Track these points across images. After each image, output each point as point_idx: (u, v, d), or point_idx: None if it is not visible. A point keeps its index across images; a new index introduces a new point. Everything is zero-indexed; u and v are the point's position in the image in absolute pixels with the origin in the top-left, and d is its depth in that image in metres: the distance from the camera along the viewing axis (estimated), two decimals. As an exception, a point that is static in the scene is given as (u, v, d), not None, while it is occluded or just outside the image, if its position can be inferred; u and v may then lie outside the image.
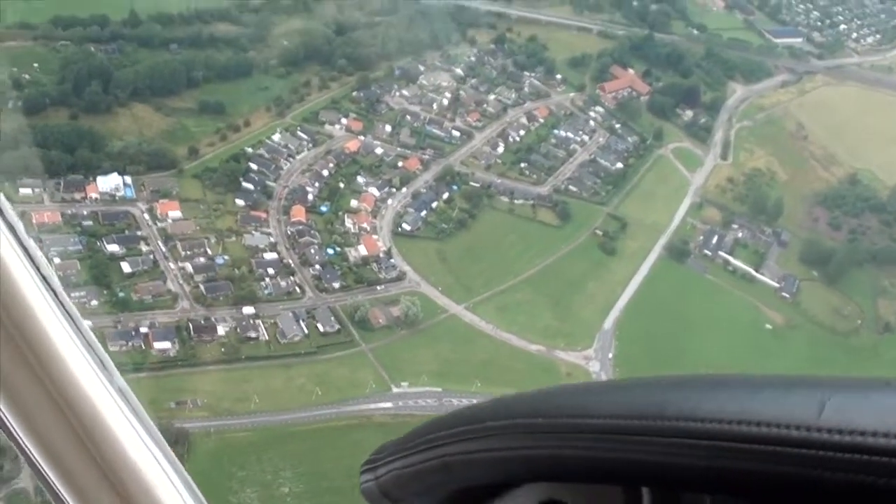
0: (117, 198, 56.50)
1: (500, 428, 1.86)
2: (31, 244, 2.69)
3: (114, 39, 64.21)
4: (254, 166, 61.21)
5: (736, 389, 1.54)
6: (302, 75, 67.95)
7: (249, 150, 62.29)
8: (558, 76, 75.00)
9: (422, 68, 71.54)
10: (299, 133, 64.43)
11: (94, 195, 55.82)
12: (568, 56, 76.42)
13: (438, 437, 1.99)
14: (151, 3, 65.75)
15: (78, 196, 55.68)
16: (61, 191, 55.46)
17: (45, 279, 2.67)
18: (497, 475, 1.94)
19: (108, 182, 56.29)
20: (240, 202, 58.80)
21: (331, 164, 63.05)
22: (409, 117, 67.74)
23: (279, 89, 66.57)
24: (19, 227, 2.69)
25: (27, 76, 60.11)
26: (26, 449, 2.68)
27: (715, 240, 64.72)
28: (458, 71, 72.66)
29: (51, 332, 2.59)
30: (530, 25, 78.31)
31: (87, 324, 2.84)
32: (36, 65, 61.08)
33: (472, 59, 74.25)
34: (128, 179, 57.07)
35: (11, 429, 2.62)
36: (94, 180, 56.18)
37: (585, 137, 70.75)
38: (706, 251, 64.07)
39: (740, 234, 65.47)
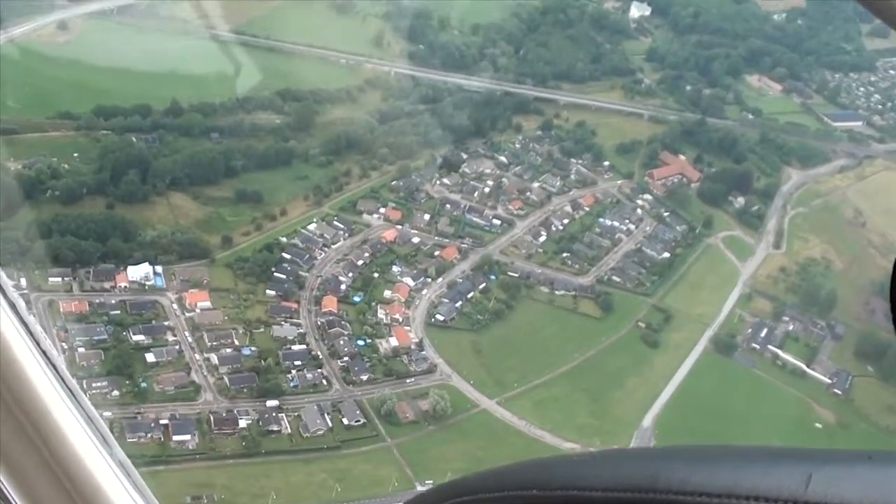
0: (147, 287, 56.18)
1: (495, 500, 1.86)
2: (31, 320, 2.80)
3: (155, 129, 64.65)
4: (287, 256, 60.49)
5: (725, 462, 1.58)
6: (342, 164, 67.39)
7: (284, 239, 61.67)
8: (606, 163, 73.25)
9: (464, 156, 70.50)
10: (335, 223, 63.61)
11: (123, 284, 55.65)
12: (617, 142, 74.79)
13: None
14: (194, 92, 66.28)
15: (107, 285, 55.57)
16: (91, 280, 55.40)
17: (45, 354, 2.71)
18: None
19: (138, 271, 56.10)
20: (271, 292, 57.97)
21: (366, 254, 62.07)
22: (448, 206, 66.59)
23: (318, 178, 66.08)
24: (20, 304, 2.78)
25: (66, 165, 60.65)
26: None
27: (764, 332, 61.60)
28: (502, 158, 71.48)
29: (51, 406, 2.63)
30: (579, 111, 77.01)
31: (86, 396, 2.89)
32: (76, 154, 61.78)
33: (517, 146, 73.04)
34: (158, 269, 56.79)
35: (11, 500, 2.56)
36: (125, 269, 56.09)
37: (632, 226, 68.68)
38: (754, 345, 60.98)
39: (791, 327, 62.21)
